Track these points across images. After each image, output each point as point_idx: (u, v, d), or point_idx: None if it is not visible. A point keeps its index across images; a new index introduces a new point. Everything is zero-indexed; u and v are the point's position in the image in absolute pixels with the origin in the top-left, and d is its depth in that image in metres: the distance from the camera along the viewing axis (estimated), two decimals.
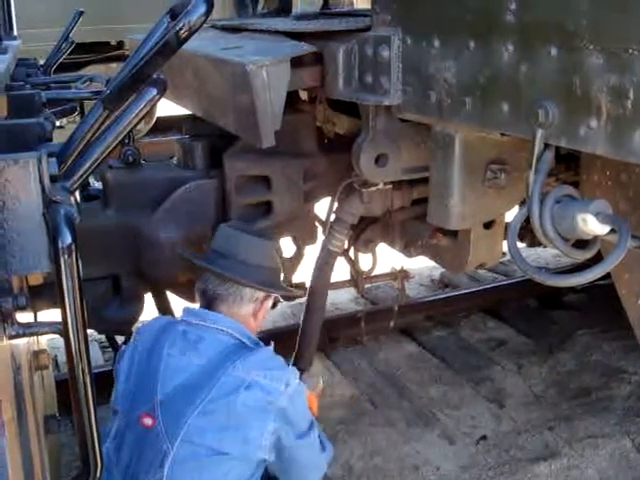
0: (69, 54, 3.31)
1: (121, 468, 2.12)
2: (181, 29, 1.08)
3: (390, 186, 2.62)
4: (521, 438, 3.43)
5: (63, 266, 1.00)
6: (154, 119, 2.94)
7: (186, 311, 2.23)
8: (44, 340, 2.81)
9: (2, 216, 1.01)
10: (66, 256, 1.00)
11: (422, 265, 4.90)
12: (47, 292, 2.14)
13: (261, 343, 2.19)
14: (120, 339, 2.99)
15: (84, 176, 1.14)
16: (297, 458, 2.15)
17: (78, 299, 1.03)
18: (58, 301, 1.03)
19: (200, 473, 2.00)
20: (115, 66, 7.31)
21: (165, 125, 6.18)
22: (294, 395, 2.07)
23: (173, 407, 2.04)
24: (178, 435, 2.00)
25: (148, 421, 2.06)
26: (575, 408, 3.65)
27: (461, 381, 3.95)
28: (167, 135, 6.78)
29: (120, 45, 7.75)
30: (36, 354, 1.79)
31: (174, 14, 1.19)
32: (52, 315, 1.96)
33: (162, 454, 2.01)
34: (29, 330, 1.21)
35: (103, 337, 4.12)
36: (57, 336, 1.19)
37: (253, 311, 2.21)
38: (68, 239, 0.99)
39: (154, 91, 1.15)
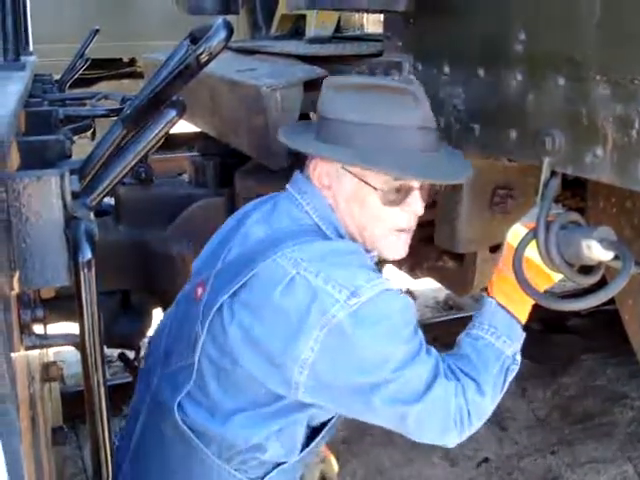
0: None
1: (159, 351, 1.74)
2: (201, 53, 1.11)
3: None
4: (523, 461, 3.43)
5: (83, 280, 1.03)
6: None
7: (293, 176, 1.72)
8: (51, 353, 2.83)
9: (24, 230, 1.04)
10: (86, 270, 1.02)
11: (427, 287, 4.91)
12: (58, 305, 2.17)
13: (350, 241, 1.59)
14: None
15: (103, 193, 1.17)
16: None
17: (96, 312, 1.06)
18: (77, 313, 1.06)
19: (218, 384, 1.56)
20: (127, 83, 7.36)
21: (175, 142, 6.21)
22: (365, 307, 1.40)
23: (219, 281, 1.58)
24: (207, 320, 1.55)
25: (199, 290, 1.64)
26: (578, 433, 3.65)
27: None
28: (177, 152, 6.81)
29: (132, 62, 7.82)
30: (46, 366, 1.81)
31: (194, 38, 1.23)
32: (58, 329, 1.99)
33: (195, 336, 1.58)
34: (45, 341, 1.23)
35: (108, 351, 4.14)
36: (63, 350, 1.21)
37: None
38: (88, 254, 1.02)
39: (173, 112, 1.18)
